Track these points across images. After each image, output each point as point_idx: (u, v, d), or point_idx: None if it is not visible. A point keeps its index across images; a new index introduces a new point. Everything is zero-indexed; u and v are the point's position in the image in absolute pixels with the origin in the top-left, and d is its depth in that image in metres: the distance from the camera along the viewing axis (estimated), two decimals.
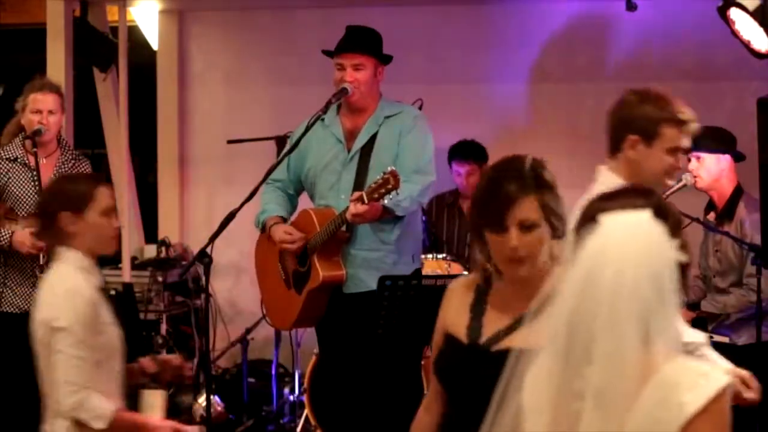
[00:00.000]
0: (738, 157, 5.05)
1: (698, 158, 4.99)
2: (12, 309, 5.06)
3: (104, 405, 3.30)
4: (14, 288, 5.06)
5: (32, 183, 5.03)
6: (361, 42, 4.59)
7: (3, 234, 4.97)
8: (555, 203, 2.69)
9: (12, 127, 5.20)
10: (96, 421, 3.29)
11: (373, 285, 4.38)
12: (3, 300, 5.08)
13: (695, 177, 4.97)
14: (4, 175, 5.09)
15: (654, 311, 1.97)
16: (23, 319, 4.97)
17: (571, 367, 2.01)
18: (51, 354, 3.31)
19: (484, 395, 2.53)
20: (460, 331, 2.75)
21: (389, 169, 4.19)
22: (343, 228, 4.47)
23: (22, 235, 4.92)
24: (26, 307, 5.02)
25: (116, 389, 3.41)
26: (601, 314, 1.98)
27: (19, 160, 5.10)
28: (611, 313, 1.97)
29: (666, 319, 1.98)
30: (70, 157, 5.21)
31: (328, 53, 4.66)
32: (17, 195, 5.07)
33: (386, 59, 4.65)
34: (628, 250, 1.99)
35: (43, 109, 5.02)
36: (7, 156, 5.12)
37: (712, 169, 4.97)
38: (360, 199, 4.22)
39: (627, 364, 1.95)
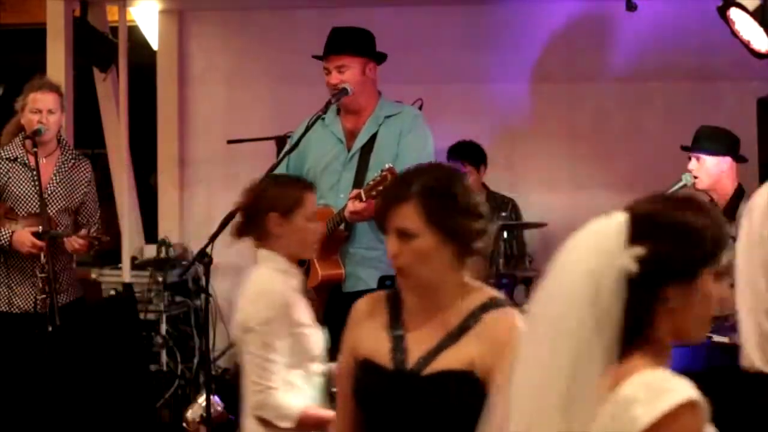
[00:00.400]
0: (739, 159, 5.04)
1: (698, 159, 4.99)
2: (13, 309, 5.07)
3: (289, 404, 3.34)
4: (14, 288, 5.06)
5: (32, 183, 5.03)
6: (342, 43, 4.57)
7: (3, 234, 4.97)
8: (454, 216, 2.53)
9: (11, 127, 5.20)
10: (280, 420, 3.34)
11: (372, 284, 4.38)
12: (4, 300, 5.08)
13: (695, 178, 4.97)
14: (4, 175, 5.09)
15: (590, 316, 1.89)
16: (24, 319, 5.00)
17: (539, 371, 1.95)
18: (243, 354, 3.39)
19: (418, 422, 2.51)
20: (382, 355, 2.60)
21: (387, 166, 4.19)
22: (342, 227, 4.47)
23: (22, 235, 4.92)
24: (26, 307, 5.03)
25: (314, 389, 3.44)
26: (548, 316, 1.94)
27: (19, 159, 5.10)
28: (554, 315, 1.92)
29: (605, 324, 1.90)
30: (70, 156, 5.22)
31: (319, 57, 4.66)
32: (17, 195, 5.07)
33: (377, 56, 4.63)
34: (576, 250, 1.94)
35: (43, 109, 5.01)
36: (7, 156, 5.12)
37: (711, 171, 4.97)
38: (358, 197, 4.22)
39: (563, 370, 1.89)
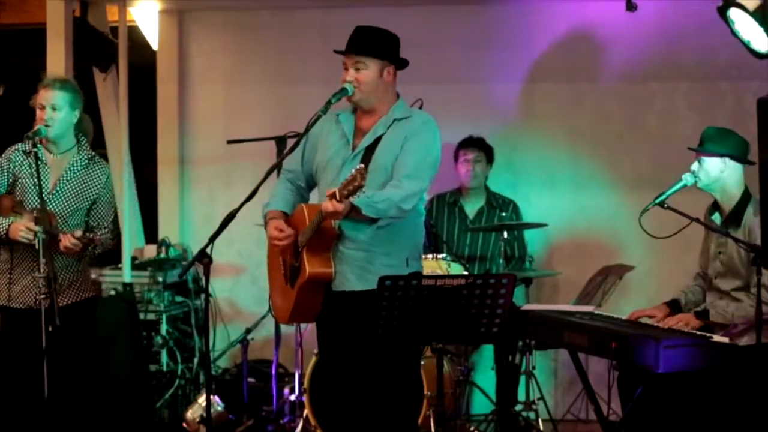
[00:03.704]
0: (744, 162, 5.01)
1: (699, 159, 4.98)
2: (12, 304, 5.06)
3: None
4: (14, 284, 5.06)
5: (42, 178, 5.05)
6: (362, 43, 4.58)
7: (2, 222, 4.97)
8: None
9: None
10: None
11: (358, 286, 4.39)
12: (4, 294, 5.08)
13: (697, 177, 4.96)
14: (17, 166, 5.10)
15: None
16: (24, 315, 5.00)
17: None
18: None
19: None
20: None
21: (358, 166, 4.18)
22: (335, 225, 4.47)
23: (17, 224, 4.92)
24: (28, 303, 5.03)
25: None
26: None
27: (32, 153, 5.11)
28: None
29: None
30: (85, 156, 5.17)
31: (341, 52, 4.66)
32: (26, 188, 5.07)
33: (398, 61, 4.63)
34: None
35: (46, 105, 5.03)
36: (24, 149, 5.13)
37: (711, 172, 4.96)
38: (334, 196, 4.21)
39: None
